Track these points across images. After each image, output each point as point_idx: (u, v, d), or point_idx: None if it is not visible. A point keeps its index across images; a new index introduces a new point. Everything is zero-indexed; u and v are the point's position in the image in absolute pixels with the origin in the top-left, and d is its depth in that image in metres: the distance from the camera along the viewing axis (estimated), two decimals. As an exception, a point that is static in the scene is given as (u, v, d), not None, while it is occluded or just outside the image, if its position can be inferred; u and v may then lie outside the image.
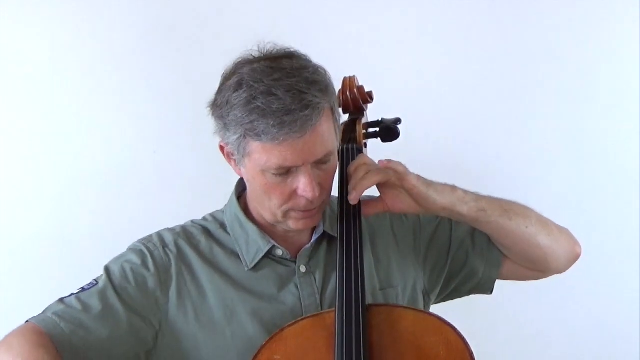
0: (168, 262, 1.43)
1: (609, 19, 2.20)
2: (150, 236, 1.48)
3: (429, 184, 1.39)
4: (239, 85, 1.31)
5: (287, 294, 1.43)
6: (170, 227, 1.51)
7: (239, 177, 1.50)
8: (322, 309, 1.43)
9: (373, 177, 1.36)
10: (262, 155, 1.31)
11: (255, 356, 1.33)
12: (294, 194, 1.35)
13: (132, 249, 1.46)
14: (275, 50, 1.36)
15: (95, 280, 1.41)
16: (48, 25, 2.04)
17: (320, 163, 1.34)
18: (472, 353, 1.29)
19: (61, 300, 1.38)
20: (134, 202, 2.06)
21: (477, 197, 1.43)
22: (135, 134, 2.08)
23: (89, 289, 1.39)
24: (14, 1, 2.00)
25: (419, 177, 1.38)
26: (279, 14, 2.06)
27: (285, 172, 1.33)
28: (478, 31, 2.16)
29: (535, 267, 1.50)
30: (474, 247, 1.53)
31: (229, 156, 1.41)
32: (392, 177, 1.37)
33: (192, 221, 1.54)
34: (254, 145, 1.32)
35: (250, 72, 1.32)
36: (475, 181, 2.11)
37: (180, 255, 1.45)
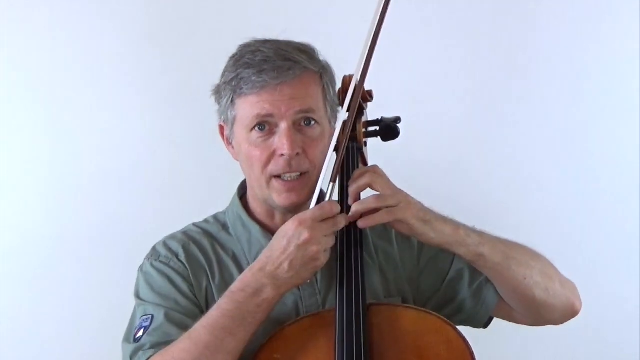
0: (185, 269, 1.43)
1: (609, 19, 2.20)
2: (155, 250, 1.47)
3: (427, 221, 1.34)
4: (234, 54, 1.41)
5: (288, 294, 1.40)
6: (170, 234, 1.50)
7: (240, 180, 1.52)
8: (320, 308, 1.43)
9: (383, 218, 1.33)
10: (246, 110, 1.37)
11: (256, 355, 1.33)
12: (273, 155, 1.37)
13: (146, 272, 1.44)
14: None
15: (145, 314, 1.38)
16: (48, 25, 2.05)
17: (302, 126, 1.37)
18: (472, 352, 1.29)
19: (136, 340, 1.35)
20: (134, 202, 2.07)
21: (481, 240, 1.38)
22: (135, 134, 2.08)
23: (149, 324, 1.36)
24: (14, 1, 2.00)
25: (418, 213, 1.34)
26: (278, 13, 2.07)
27: (266, 127, 1.36)
28: (478, 30, 2.16)
29: (529, 315, 1.48)
30: (471, 282, 1.50)
31: (227, 140, 1.45)
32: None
33: (194, 224, 1.53)
34: (239, 104, 1.38)
35: (247, 41, 1.41)
36: (474, 180, 2.13)
37: (192, 260, 1.44)
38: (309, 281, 1.35)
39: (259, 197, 1.45)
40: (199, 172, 2.06)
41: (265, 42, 1.40)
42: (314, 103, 1.38)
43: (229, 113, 1.41)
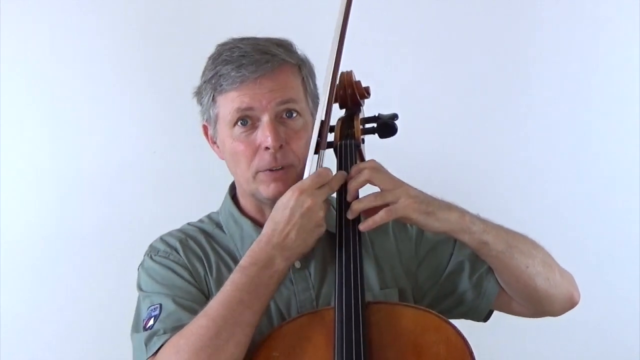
0: (185, 262, 1.45)
1: (609, 19, 2.20)
2: (153, 247, 1.49)
3: (430, 212, 1.33)
4: (212, 53, 1.44)
5: (282, 288, 1.42)
6: (166, 232, 1.52)
7: (230, 181, 1.53)
8: (317, 304, 1.44)
9: (383, 218, 1.33)
10: (226, 107, 1.39)
11: (254, 353, 1.32)
12: (258, 149, 1.38)
13: (147, 266, 1.46)
14: None
15: (153, 305, 1.39)
16: (48, 25, 2.06)
17: (284, 118, 1.39)
18: (471, 351, 1.28)
19: (147, 329, 1.36)
20: (134, 202, 2.07)
21: (485, 227, 1.38)
22: (135, 134, 2.09)
23: (159, 312, 1.37)
24: (14, 1, 2.01)
25: (420, 206, 1.33)
26: (277, 11, 2.07)
27: (249, 122, 1.38)
28: (476, 28, 2.17)
29: (529, 306, 1.48)
30: (471, 274, 1.50)
31: (212, 140, 1.48)
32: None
33: (189, 223, 1.55)
34: (219, 101, 1.40)
35: (225, 41, 1.44)
36: (471, 178, 2.13)
37: (189, 253, 1.46)
38: (298, 264, 1.38)
39: (246, 192, 1.46)
40: (198, 172, 2.06)
41: (243, 39, 1.42)
42: (294, 94, 1.40)
43: (211, 111, 1.43)
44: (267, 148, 1.38)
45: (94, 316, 2.02)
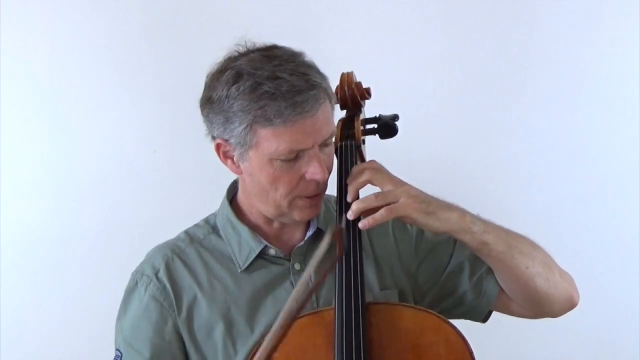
0: (164, 291, 1.44)
1: (610, 18, 2.20)
2: (141, 265, 1.48)
3: (431, 212, 1.34)
4: (238, 77, 1.32)
5: (282, 292, 1.42)
6: (158, 246, 1.50)
7: (231, 181, 1.51)
8: (317, 305, 1.43)
9: (384, 217, 1.33)
10: (272, 142, 1.32)
11: (254, 354, 1.31)
12: (301, 179, 1.35)
13: (129, 296, 1.46)
14: (259, 44, 1.38)
15: (118, 349, 1.42)
16: (48, 25, 2.06)
17: (323, 146, 1.36)
18: (471, 352, 1.29)
19: None
20: (134, 202, 2.08)
21: (486, 228, 1.38)
22: (135, 134, 2.09)
23: None
24: (14, 1, 2.01)
25: (420, 205, 1.33)
26: (279, 11, 2.08)
27: (294, 157, 1.34)
28: (477, 28, 2.18)
29: (529, 307, 1.48)
30: (471, 274, 1.50)
31: (225, 155, 1.41)
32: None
33: (185, 230, 1.53)
34: (263, 133, 1.32)
35: (247, 62, 1.33)
36: (472, 178, 2.14)
37: (173, 277, 1.45)
38: (297, 266, 1.37)
39: (267, 214, 1.43)
40: (198, 171, 2.06)
41: (272, 61, 1.33)
42: (333, 125, 1.39)
43: (246, 138, 1.34)
44: (316, 180, 1.35)
45: (94, 316, 2.02)
